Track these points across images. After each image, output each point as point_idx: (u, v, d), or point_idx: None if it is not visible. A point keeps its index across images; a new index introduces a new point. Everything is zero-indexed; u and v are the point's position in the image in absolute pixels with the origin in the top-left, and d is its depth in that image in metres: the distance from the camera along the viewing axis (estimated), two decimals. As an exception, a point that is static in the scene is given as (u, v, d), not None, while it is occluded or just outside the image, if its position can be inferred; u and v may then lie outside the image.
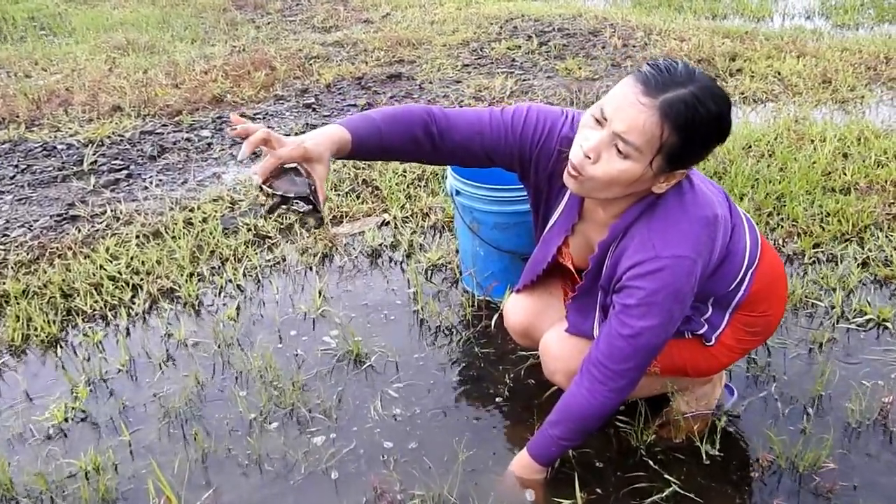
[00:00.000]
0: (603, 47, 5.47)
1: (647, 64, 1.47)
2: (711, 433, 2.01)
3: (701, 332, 1.81)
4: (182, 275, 2.88)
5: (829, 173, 3.42)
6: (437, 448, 2.06)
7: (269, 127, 4.27)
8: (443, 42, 5.70)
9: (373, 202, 3.36)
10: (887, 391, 2.15)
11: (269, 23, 6.81)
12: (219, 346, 2.51)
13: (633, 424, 2.06)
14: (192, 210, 3.33)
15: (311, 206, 1.41)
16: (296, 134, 4.16)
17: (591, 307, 1.82)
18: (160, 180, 3.70)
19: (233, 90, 4.85)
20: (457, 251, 2.92)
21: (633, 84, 1.44)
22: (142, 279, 2.86)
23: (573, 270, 1.89)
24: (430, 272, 2.88)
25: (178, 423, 2.19)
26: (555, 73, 5.01)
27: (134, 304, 2.75)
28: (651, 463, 1.97)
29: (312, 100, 4.71)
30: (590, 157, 1.50)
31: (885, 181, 3.30)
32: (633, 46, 5.46)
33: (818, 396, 2.16)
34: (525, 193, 2.40)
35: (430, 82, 4.91)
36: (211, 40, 6.32)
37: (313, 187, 1.42)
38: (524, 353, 2.40)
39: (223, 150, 4.03)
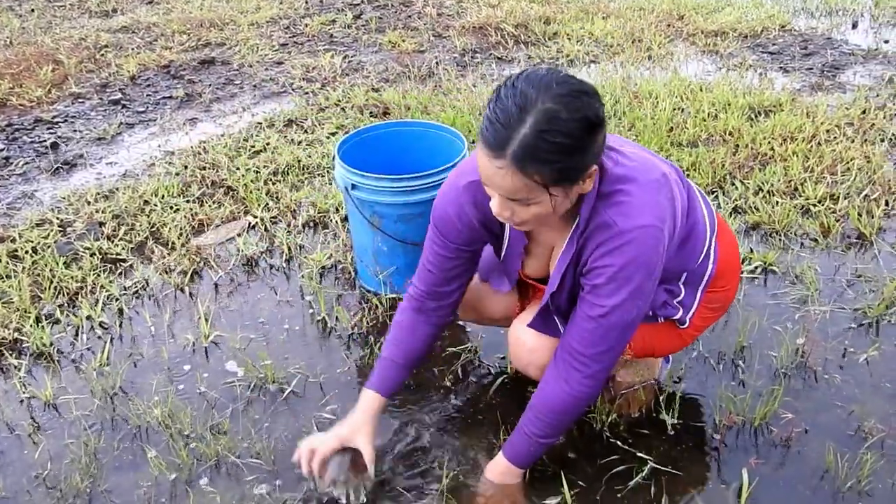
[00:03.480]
0: (420, 17, 5.36)
1: (485, 116, 1.37)
2: (669, 402, 2.02)
3: (676, 316, 1.78)
4: (25, 320, 2.40)
5: (672, 129, 3.59)
6: (400, 471, 1.88)
7: (75, 130, 3.74)
8: (249, 21, 5.28)
9: (232, 205, 3.02)
10: (799, 333, 2.28)
11: (32, 10, 5.92)
12: (101, 401, 2.12)
13: (591, 408, 2.01)
14: (13, 240, 2.79)
15: (355, 482, 1.71)
16: (112, 137, 3.67)
17: (551, 313, 1.75)
18: (-45, 208, 3.07)
19: (15, 91, 4.16)
20: (349, 249, 2.70)
21: (482, 149, 1.38)
22: (-27, 333, 2.36)
23: (534, 283, 1.84)
24: (320, 275, 2.64)
25: None
26: (379, 47, 4.82)
27: (-30, 364, 2.25)
28: (620, 443, 1.94)
29: (119, 95, 4.15)
30: (505, 216, 1.47)
31: (723, 132, 3.52)
32: (449, 15, 5.40)
33: (742, 348, 2.24)
34: (429, 181, 2.30)
35: (250, 65, 4.53)
36: (-36, 34, 5.38)
37: (349, 461, 1.71)
38: (453, 348, 2.27)
39: (27, 163, 3.44)
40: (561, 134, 1.33)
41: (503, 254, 1.77)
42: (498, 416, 2.01)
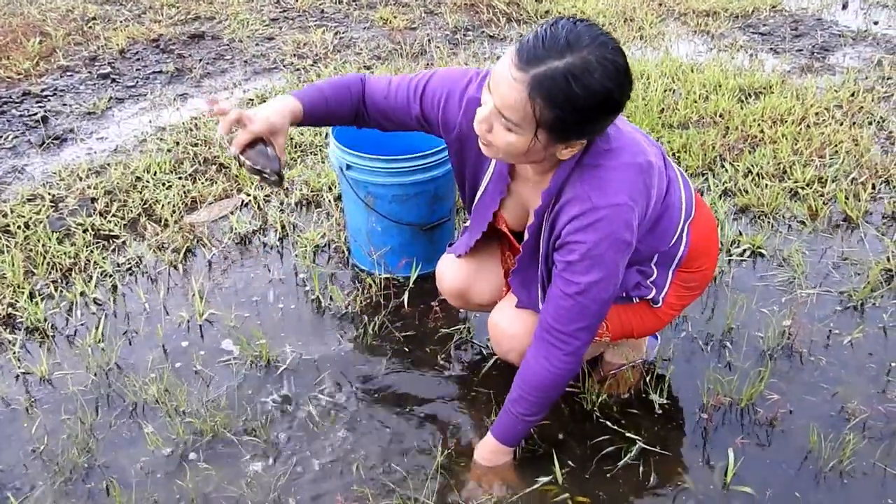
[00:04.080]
0: (411, -7, 5.33)
1: (534, 31, 1.38)
2: (658, 383, 2.06)
3: (649, 296, 1.81)
4: (19, 296, 2.41)
5: (664, 110, 3.60)
6: (396, 450, 1.92)
7: (64, 104, 3.71)
8: (239, -6, 5.23)
9: (224, 182, 3.02)
10: (785, 315, 2.32)
11: (17, -22, 5.83)
12: (96, 376, 2.14)
13: (580, 388, 2.05)
14: (4, 215, 2.78)
15: (276, 176, 1.62)
16: (102, 111, 3.64)
17: (532, 279, 1.76)
18: (-56, 182, 3.05)
19: (3, 64, 4.10)
20: (342, 228, 2.71)
21: (510, 55, 1.37)
22: (-33, 308, 2.36)
23: (510, 235, 1.84)
24: (314, 254, 2.65)
25: (78, 478, 1.85)
26: (371, 23, 4.79)
27: (-36, 340, 2.26)
28: (609, 424, 1.98)
29: (108, 69, 4.11)
30: (483, 127, 1.46)
31: (714, 114, 3.54)
32: (441, -9, 5.37)
33: (729, 329, 2.28)
34: (424, 162, 2.30)
35: (240, 40, 4.49)
36: (-52, 3, 5.29)
37: (278, 157, 1.63)
38: (446, 329, 2.30)
39: (17, 137, 3.41)
40: (583, 88, 1.33)
41: (482, 191, 1.77)
42: (491, 395, 2.05)
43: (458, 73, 1.71)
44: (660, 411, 2.01)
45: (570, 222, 1.52)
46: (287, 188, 1.58)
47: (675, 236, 1.75)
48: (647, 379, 2.09)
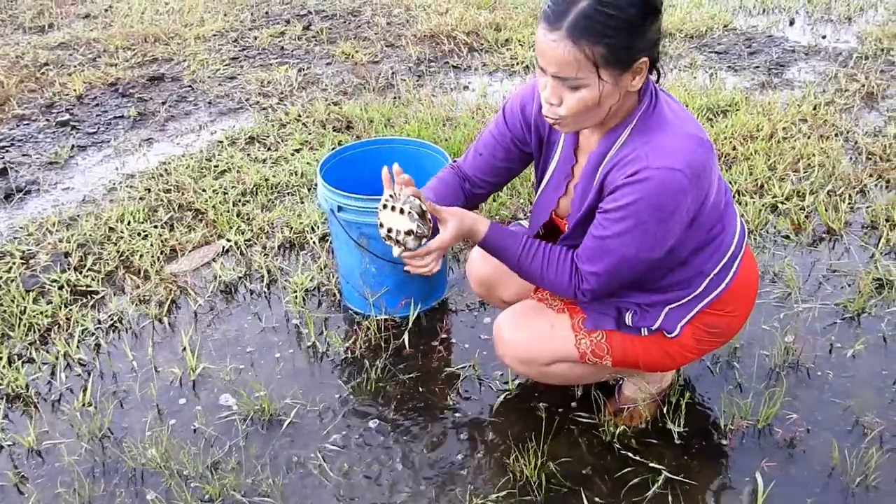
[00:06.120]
0: (370, 27, 5.30)
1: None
2: (674, 410, 2.03)
3: (655, 326, 1.76)
4: (-3, 362, 2.28)
5: (636, 132, 3.62)
6: (415, 500, 1.84)
7: (24, 154, 3.57)
8: (195, 35, 5.13)
9: (203, 229, 2.92)
10: (787, 331, 2.33)
11: (-40, 27, 5.64)
12: (89, 444, 2.02)
13: (596, 419, 2.01)
14: (-28, 276, 2.64)
15: (416, 242, 1.63)
16: (64, 160, 3.52)
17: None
18: None
19: (-47, 115, 3.95)
20: (332, 270, 2.64)
21: (541, 25, 1.45)
22: (-59, 379, 2.22)
23: (563, 229, 1.82)
24: (304, 299, 2.57)
25: (82, 556, 1.73)
26: (332, 58, 4.74)
27: (-59, 414, 2.12)
28: (630, 455, 1.94)
29: (67, 116, 3.98)
30: (553, 103, 1.51)
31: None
32: (399, 24, 5.36)
33: (734, 349, 2.28)
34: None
35: (202, 81, 4.40)
36: None
37: (424, 239, 1.64)
38: (451, 367, 2.24)
39: (-24, 192, 3.26)
40: (617, 8, 1.38)
41: (549, 174, 1.78)
42: (508, 434, 2.00)
43: (523, 91, 1.78)
44: (679, 441, 1.98)
45: (621, 177, 1.53)
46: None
47: (722, 264, 1.72)
48: (663, 409, 2.06)
